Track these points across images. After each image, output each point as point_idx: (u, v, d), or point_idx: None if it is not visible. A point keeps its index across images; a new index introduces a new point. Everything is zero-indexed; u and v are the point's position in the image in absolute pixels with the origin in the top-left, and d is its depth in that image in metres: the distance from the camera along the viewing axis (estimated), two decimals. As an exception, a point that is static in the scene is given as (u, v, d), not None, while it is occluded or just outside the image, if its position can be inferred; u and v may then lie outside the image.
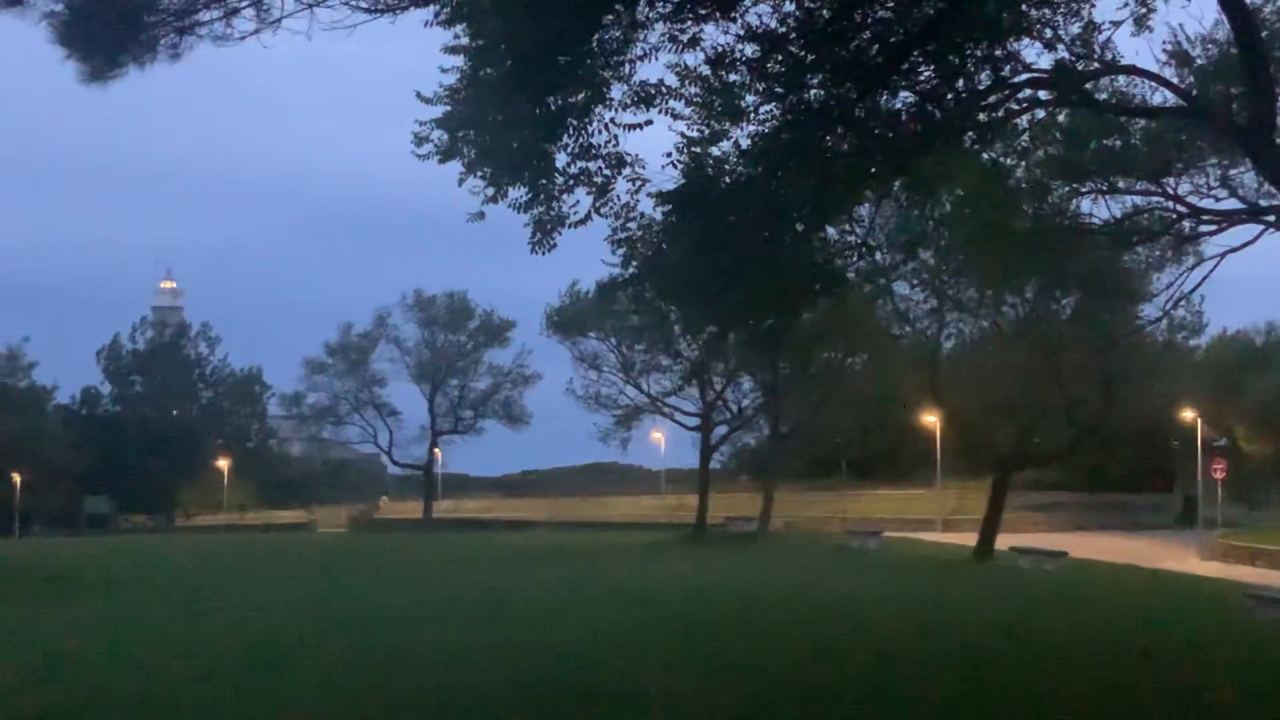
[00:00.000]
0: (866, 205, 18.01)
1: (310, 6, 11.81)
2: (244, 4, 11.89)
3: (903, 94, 13.56)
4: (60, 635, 22.59)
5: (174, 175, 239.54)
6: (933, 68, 13.26)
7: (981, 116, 14.63)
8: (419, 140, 13.89)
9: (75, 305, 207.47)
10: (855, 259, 17.65)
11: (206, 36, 12.12)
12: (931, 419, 60.30)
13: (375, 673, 15.89)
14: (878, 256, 21.26)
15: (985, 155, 17.48)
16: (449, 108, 13.61)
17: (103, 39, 11.70)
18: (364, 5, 12.09)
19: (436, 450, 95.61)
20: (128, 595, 32.95)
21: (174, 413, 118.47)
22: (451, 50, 13.18)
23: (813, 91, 13.27)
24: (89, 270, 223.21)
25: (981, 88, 13.88)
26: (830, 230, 17.32)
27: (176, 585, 36.54)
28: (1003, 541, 42.80)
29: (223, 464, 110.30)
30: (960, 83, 13.58)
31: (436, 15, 12.68)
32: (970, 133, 15.05)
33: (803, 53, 12.85)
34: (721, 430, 70.05)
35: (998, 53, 13.60)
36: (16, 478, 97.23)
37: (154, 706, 13.60)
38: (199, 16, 11.97)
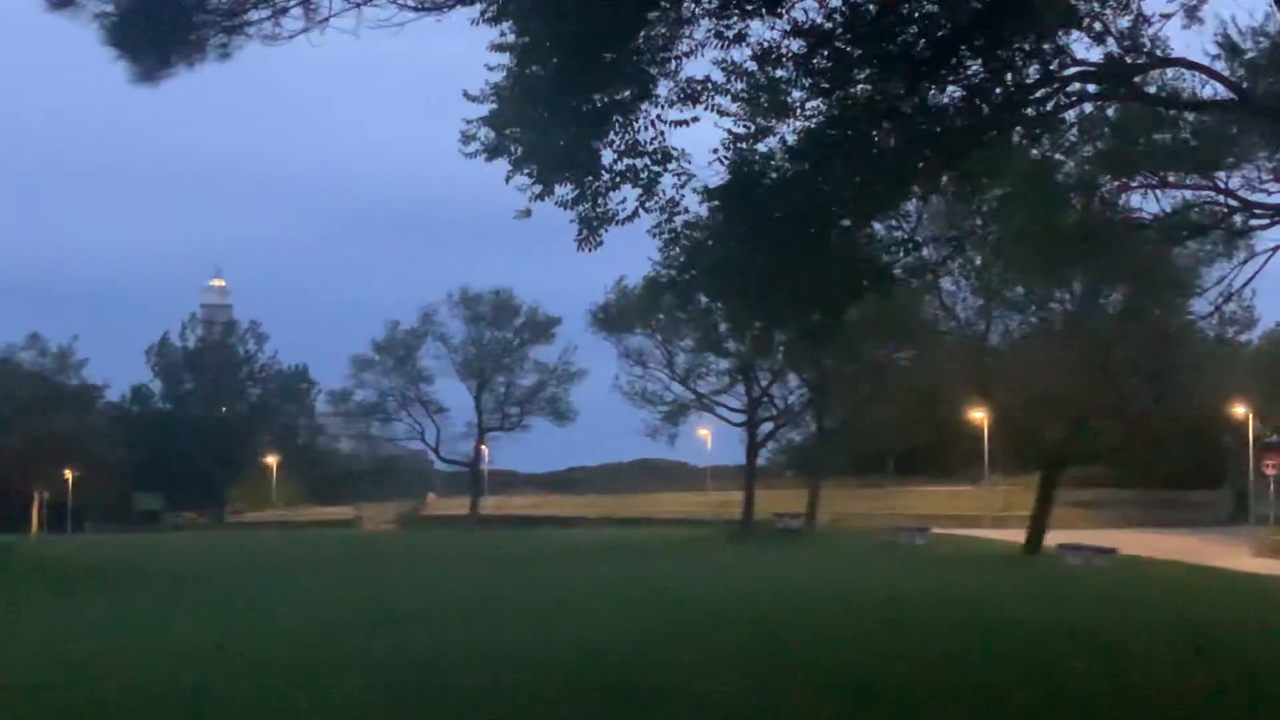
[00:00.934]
0: (913, 200, 17.97)
1: (358, 5, 11.87)
2: (292, 3, 11.96)
3: (950, 89, 13.47)
4: (114, 630, 22.82)
5: (223, 175, 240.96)
6: (980, 62, 13.17)
7: (1030, 111, 14.53)
8: (466, 138, 13.92)
9: (126, 304, 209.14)
10: (902, 254, 17.55)
11: (255, 36, 12.21)
12: (979, 415, 60.00)
13: (419, 669, 15.94)
14: (925, 252, 21.14)
15: (1033, 150, 17.37)
16: (495, 106, 13.63)
17: (152, 39, 11.78)
18: (411, 4, 12.13)
19: (483, 447, 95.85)
20: (180, 590, 33.23)
21: (223, 410, 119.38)
22: (498, 48, 13.20)
23: (859, 87, 13.22)
24: (139, 270, 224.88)
25: (1030, 82, 13.78)
26: (877, 226, 17.28)
27: (227, 581, 36.84)
28: (1051, 538, 42.54)
29: (271, 461, 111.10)
30: (1008, 77, 13.49)
31: (483, 13, 12.69)
32: (1018, 127, 14.96)
33: (849, 48, 12.79)
34: (767, 427, 69.95)
35: (1046, 46, 13.50)
36: (69, 475, 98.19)
37: (199, 701, 13.68)
38: (248, 16, 12.05)
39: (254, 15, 12.06)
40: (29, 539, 78.53)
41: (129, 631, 22.60)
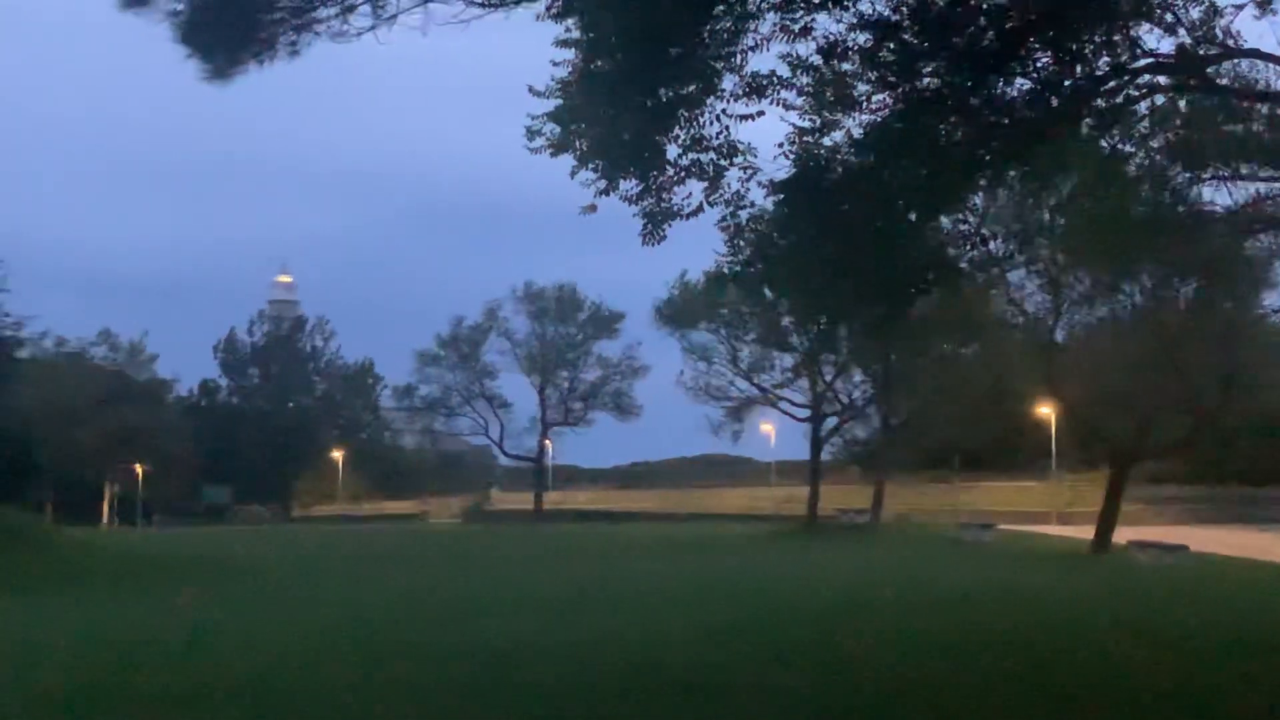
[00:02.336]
0: (980, 194, 17.81)
1: (425, 2, 11.93)
2: (360, 1, 12.04)
3: (1019, 81, 13.35)
4: (183, 623, 23.07)
5: (290, 172, 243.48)
6: (1050, 54, 13.03)
7: (1100, 103, 14.35)
8: (531, 134, 13.96)
9: (195, 300, 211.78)
10: (969, 248, 17.43)
11: (324, 33, 12.30)
12: (1046, 410, 59.46)
13: (485, 663, 15.99)
14: (991, 246, 20.94)
15: (1103, 142, 17.15)
16: (561, 101, 13.65)
17: (223, 38, 11.91)
18: (478, 0, 12.17)
19: (547, 441, 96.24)
20: (249, 582, 33.57)
21: (289, 405, 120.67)
22: (563, 44, 13.23)
23: (926, 80, 13.12)
24: (208, 265, 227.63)
25: (1100, 74, 13.61)
26: (943, 219, 17.14)
27: (296, 573, 37.19)
28: (1120, 535, 42.08)
29: (337, 455, 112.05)
30: (1078, 69, 13.33)
31: (548, 9, 12.73)
32: (1088, 120, 14.79)
33: (916, 40, 12.70)
34: (832, 422, 69.71)
35: (1117, 38, 13.33)
36: (138, 468, 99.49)
37: (263, 692, 13.79)
38: (316, 14, 12.14)
39: (323, 13, 12.15)
40: (103, 531, 79.65)
41: (194, 625, 22.84)
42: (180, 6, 11.77)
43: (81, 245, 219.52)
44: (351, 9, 12.11)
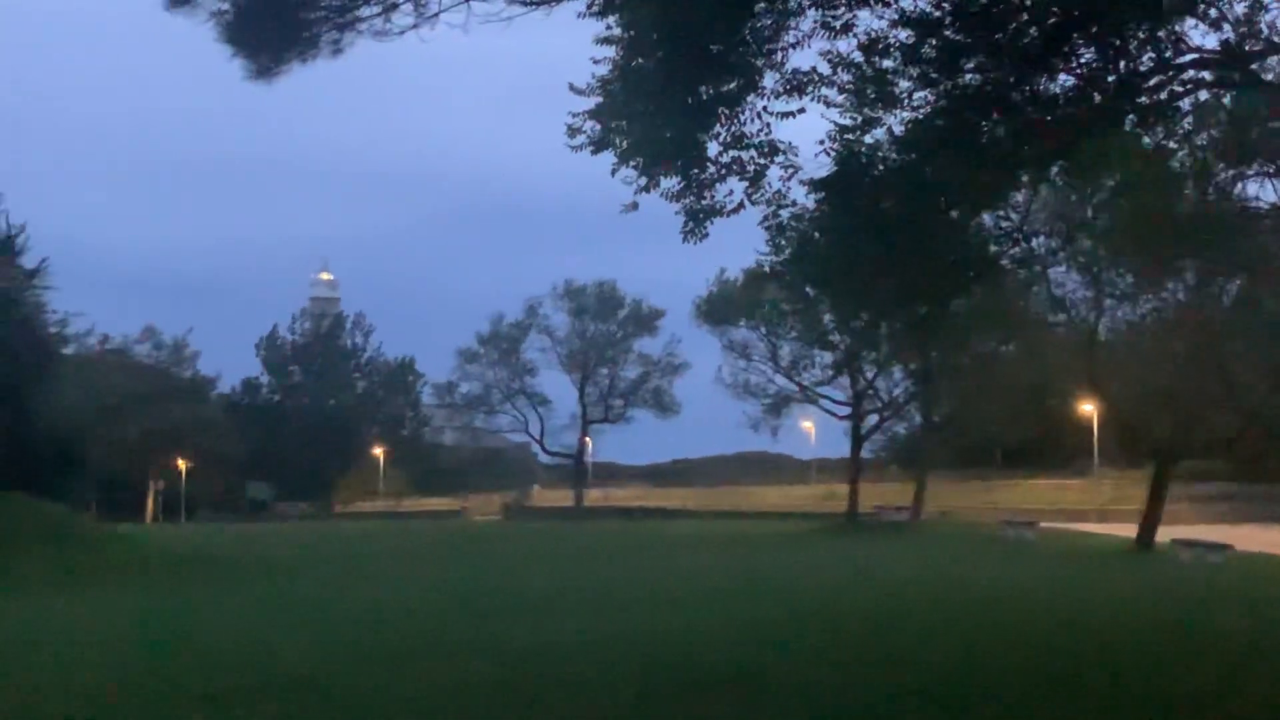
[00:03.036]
0: (1022, 191, 17.74)
1: (466, 1, 11.97)
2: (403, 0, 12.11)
3: (1062, 77, 13.28)
4: (226, 619, 23.24)
5: (332, 171, 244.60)
6: (1093, 50, 12.96)
7: (1143, 99, 14.25)
8: (572, 131, 13.99)
9: (237, 298, 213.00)
10: (1010, 245, 17.39)
11: (366, 32, 12.37)
12: (1088, 407, 59.13)
13: (523, 659, 16.03)
14: (1034, 243, 20.85)
15: (1147, 139, 17.05)
16: (601, 99, 13.68)
17: (267, 37, 12.00)
18: (520, -1, 12.21)
19: (587, 439, 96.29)
20: (294, 578, 33.77)
21: (330, 402, 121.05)
22: (604, 41, 13.26)
23: (968, 76, 13.08)
24: (250, 264, 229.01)
25: (1144, 69, 13.52)
26: (985, 216, 17.09)
27: (339, 570, 37.39)
28: (1163, 533, 41.79)
29: (378, 452, 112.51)
30: (1122, 65, 13.25)
31: (589, 6, 12.76)
32: (1131, 116, 14.68)
33: (958, 36, 12.65)
34: (872, 419, 69.47)
35: (1161, 33, 13.24)
36: (182, 465, 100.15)
37: (303, 689, 13.87)
38: (359, 12, 12.22)
39: (365, 11, 12.23)
40: (147, 527, 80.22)
41: (238, 621, 23.00)
42: (225, 6, 11.88)
43: (126, 244, 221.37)
44: (394, 7, 12.17)
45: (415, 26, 12.23)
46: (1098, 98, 13.38)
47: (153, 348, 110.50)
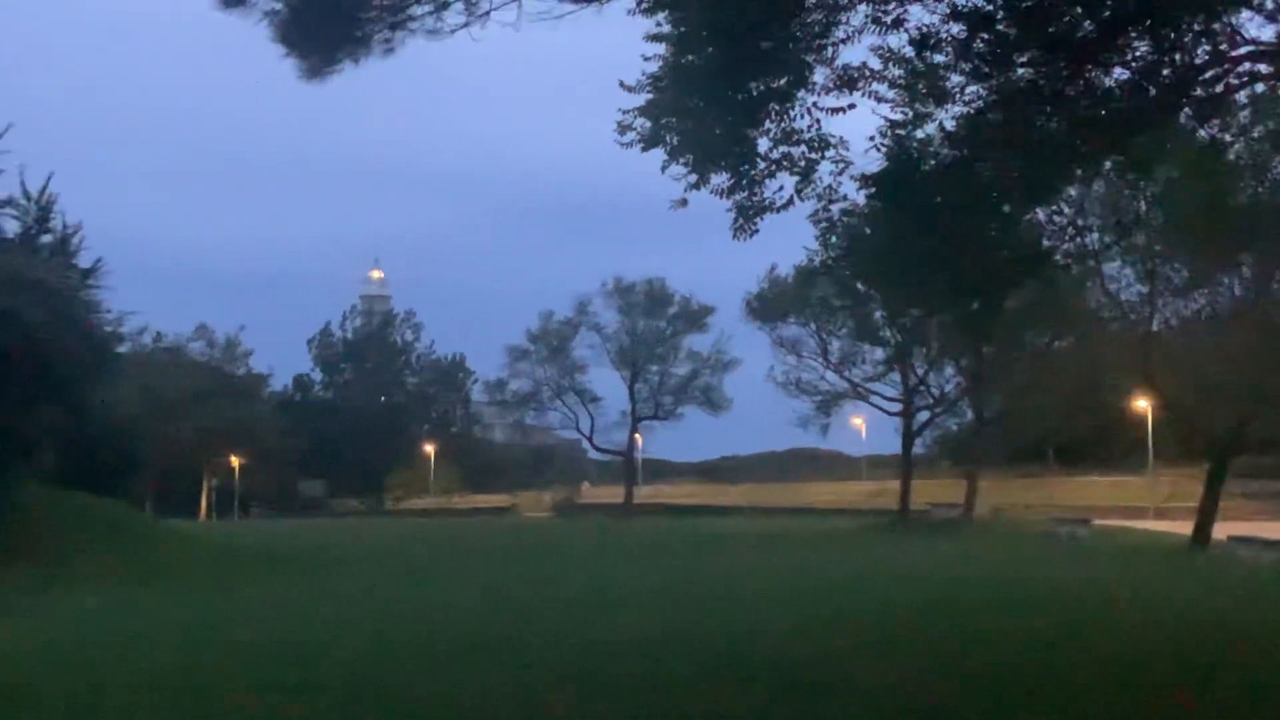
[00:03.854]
0: (1076, 185, 17.59)
1: (518, -1, 11.99)
2: (454, -2, 12.15)
3: (1116, 71, 13.14)
4: (270, 614, 23.41)
5: (383, 168, 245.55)
6: (1148, 43, 12.82)
7: (1199, 92, 14.10)
8: (622, 129, 13.98)
9: (289, 295, 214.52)
10: (1064, 240, 17.25)
11: (418, 31, 12.41)
12: (1142, 403, 58.60)
13: (576, 656, 16.06)
14: (1088, 237, 20.69)
15: (1202, 132, 16.86)
16: (651, 96, 13.66)
17: (319, 37, 12.07)
18: (571, -5, 12.22)
19: (637, 436, 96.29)
20: (348, 575, 33.97)
21: (381, 399, 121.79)
22: (654, 38, 13.24)
23: (1021, 70, 12.97)
24: (302, 262, 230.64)
25: (1199, 62, 13.37)
26: (1038, 212, 16.96)
27: (394, 566, 37.61)
28: (1220, 530, 41.37)
29: (428, 449, 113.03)
30: (1177, 58, 13.10)
31: (639, 3, 12.73)
32: (1187, 109, 14.53)
33: (1010, 31, 12.54)
34: (924, 415, 69.15)
35: (1216, 26, 13.09)
36: (235, 462, 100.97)
37: (357, 686, 13.94)
38: (411, 12, 12.26)
39: (417, 10, 12.26)
40: (201, 523, 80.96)
41: (292, 616, 23.17)
42: (278, 6, 11.95)
43: (181, 241, 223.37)
44: (445, 6, 12.21)
45: (466, 25, 12.27)
46: (1152, 91, 13.24)
47: (206, 346, 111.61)
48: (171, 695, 13.32)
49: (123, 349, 53.05)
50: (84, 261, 42.05)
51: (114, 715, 12.56)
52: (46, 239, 41.24)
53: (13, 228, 40.06)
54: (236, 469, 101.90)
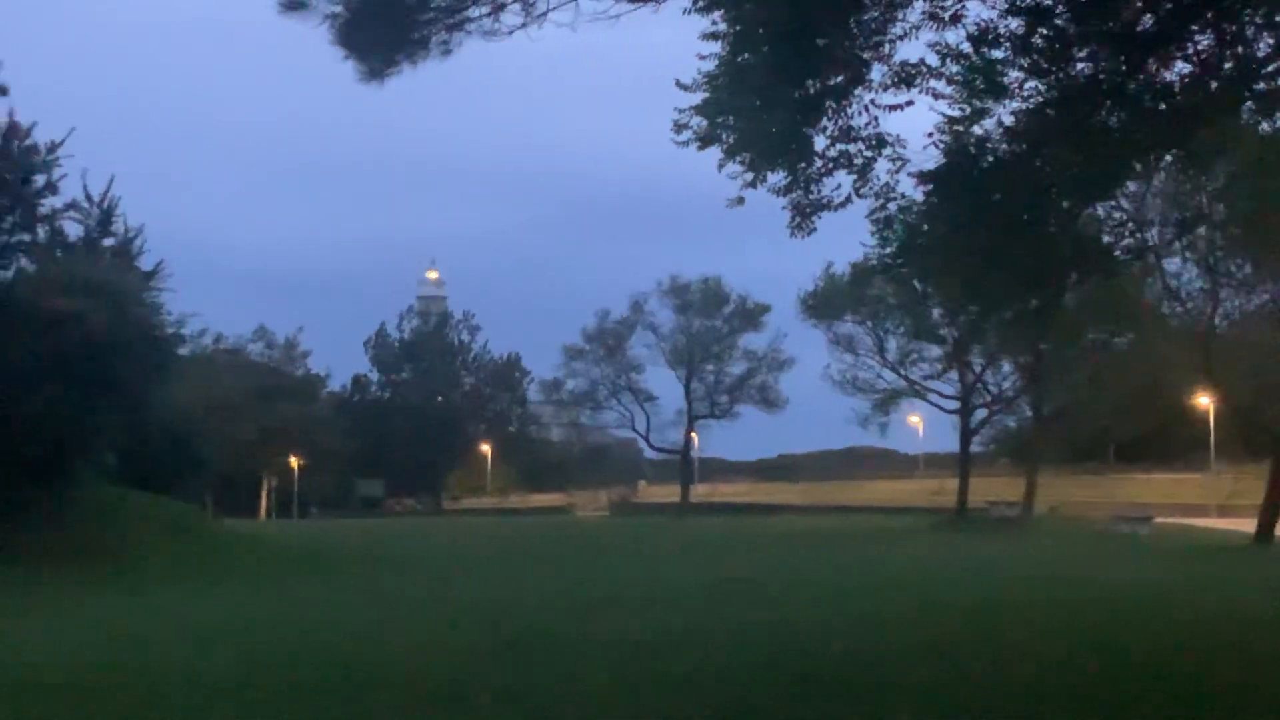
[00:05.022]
0: (1136, 181, 17.45)
1: (575, -1, 12.03)
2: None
3: (1177, 64, 13.02)
4: (329, 613, 23.59)
5: (439, 169, 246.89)
6: (1210, 36, 12.69)
7: (1261, 85, 13.94)
8: (678, 127, 13.99)
9: (346, 296, 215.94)
10: (1124, 236, 17.12)
11: (475, 32, 12.47)
12: (1204, 400, 58.02)
13: (635, 654, 16.07)
14: (1148, 233, 20.52)
15: (1264, 125, 16.68)
16: (707, 94, 13.66)
17: (379, 38, 12.16)
18: (627, -6, 12.23)
19: (693, 434, 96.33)
20: (406, 573, 34.19)
21: (438, 399, 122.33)
22: (710, 37, 13.22)
23: (1080, 65, 12.87)
24: (359, 263, 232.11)
25: (1261, 55, 13.22)
26: (1098, 207, 16.84)
27: (450, 564, 37.82)
28: (1284, 527, 40.92)
29: (485, 448, 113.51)
30: (1239, 50, 12.96)
31: (695, 2, 12.72)
32: (1249, 103, 14.37)
33: (1070, 25, 12.46)
34: (981, 413, 68.82)
35: (1279, 18, 12.95)
36: (294, 462, 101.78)
37: (412, 684, 14.01)
38: (468, 13, 12.32)
39: (474, 12, 12.32)
40: (260, 523, 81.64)
41: (351, 615, 23.33)
42: (338, 9, 12.04)
43: (239, 243, 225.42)
44: (502, 7, 12.25)
45: (524, 26, 12.31)
46: (1214, 85, 13.11)
47: (265, 347, 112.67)
48: (229, 693, 13.44)
49: (184, 350, 53.55)
50: (146, 264, 42.58)
51: (177, 715, 12.69)
52: (109, 242, 41.76)
53: (76, 231, 40.56)
54: (296, 469, 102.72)
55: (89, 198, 40.88)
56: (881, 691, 13.19)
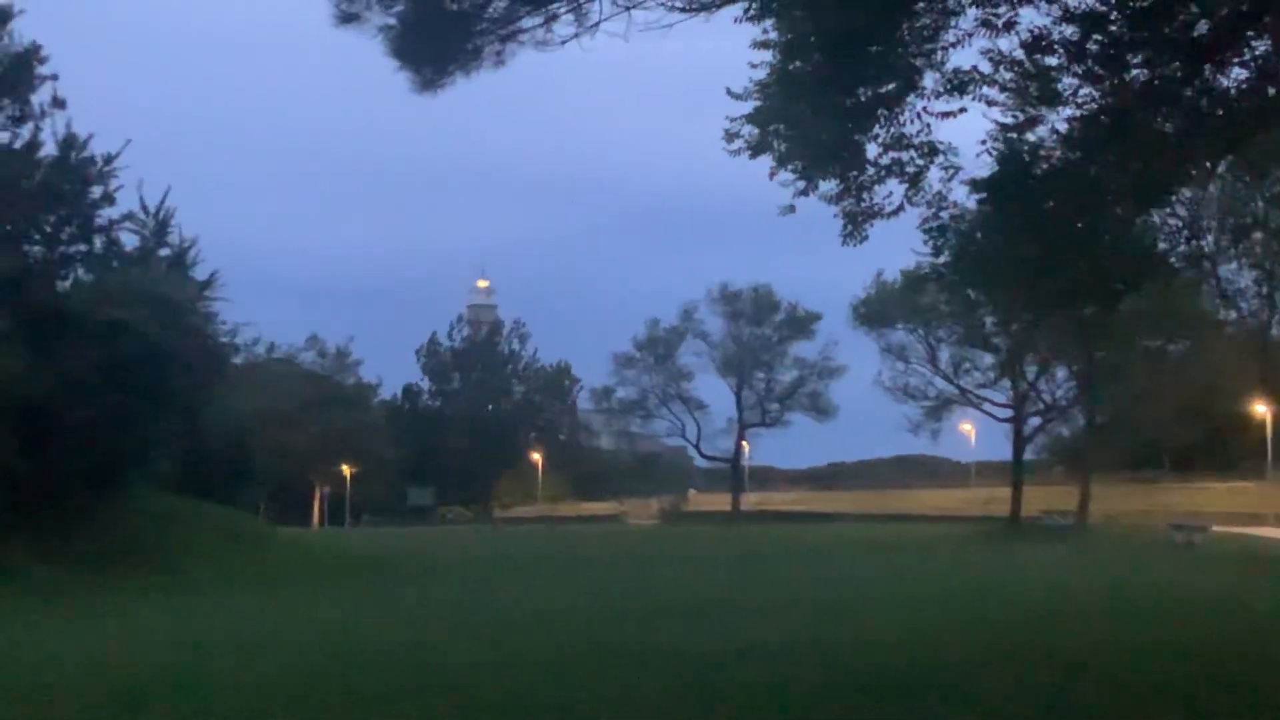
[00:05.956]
0: (1192, 187, 17.31)
1: (628, 9, 12.05)
2: (564, 10, 12.22)
3: (1233, 70, 12.90)
4: (386, 618, 23.68)
5: (490, 178, 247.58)
6: (1267, 41, 12.57)
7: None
8: (729, 136, 14.02)
9: (397, 305, 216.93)
10: (1179, 243, 16.98)
11: (528, 43, 12.53)
12: (1261, 407, 57.39)
13: (693, 665, 16.04)
14: (1204, 240, 20.34)
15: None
16: (759, 103, 13.67)
17: (432, 50, 12.23)
18: (679, 5, 12.24)
19: (744, 443, 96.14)
20: (458, 581, 34.30)
21: (489, 407, 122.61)
22: (761, 45, 13.25)
23: (1135, 71, 12.79)
24: (409, 272, 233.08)
25: (1320, 59, 13.10)
26: (1153, 214, 16.70)
27: (502, 572, 37.90)
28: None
29: (535, 457, 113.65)
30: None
31: (746, 11, 12.74)
32: (1307, 107, 14.23)
33: (1125, 31, 12.37)
34: (1034, 421, 68.34)
35: (1338, 22, 12.82)
36: (346, 470, 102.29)
37: (473, 692, 14.04)
38: (521, 24, 12.38)
39: (527, 23, 12.37)
40: (312, 531, 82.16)
41: (404, 622, 23.41)
42: (392, 21, 12.12)
43: (292, 253, 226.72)
44: (555, 18, 12.30)
45: (576, 36, 12.36)
46: (1270, 91, 12.99)
47: (317, 355, 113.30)
48: (284, 699, 13.52)
49: (237, 359, 54.01)
50: (200, 274, 42.90)
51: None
52: (164, 252, 42.08)
53: (132, 242, 40.94)
54: (347, 477, 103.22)
55: (145, 208, 41.25)
56: (945, 702, 13.12)
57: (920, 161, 13.87)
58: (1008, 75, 13.09)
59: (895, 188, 14.12)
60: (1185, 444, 72.65)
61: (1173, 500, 69.65)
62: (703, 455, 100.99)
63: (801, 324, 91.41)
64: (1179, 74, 12.68)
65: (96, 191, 38.07)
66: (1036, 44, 12.57)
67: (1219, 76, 13.00)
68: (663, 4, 12.16)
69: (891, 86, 13.26)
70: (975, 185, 13.99)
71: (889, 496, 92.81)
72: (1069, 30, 12.45)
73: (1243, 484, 71.02)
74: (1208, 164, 15.41)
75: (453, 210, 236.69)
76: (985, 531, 60.60)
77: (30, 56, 36.22)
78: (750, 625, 21.09)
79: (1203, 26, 12.35)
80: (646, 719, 12.72)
